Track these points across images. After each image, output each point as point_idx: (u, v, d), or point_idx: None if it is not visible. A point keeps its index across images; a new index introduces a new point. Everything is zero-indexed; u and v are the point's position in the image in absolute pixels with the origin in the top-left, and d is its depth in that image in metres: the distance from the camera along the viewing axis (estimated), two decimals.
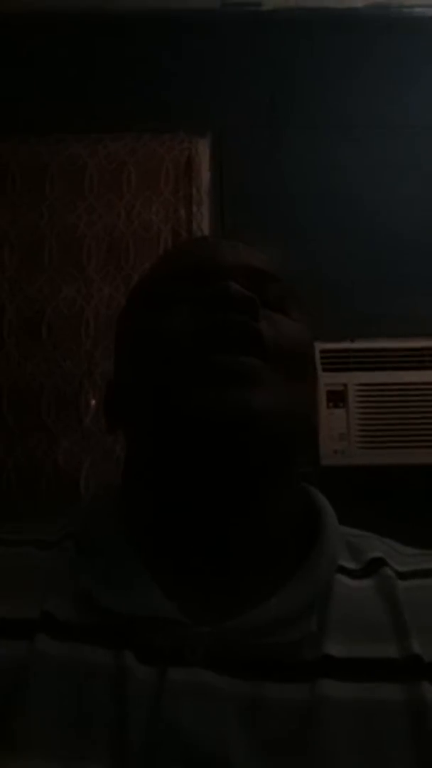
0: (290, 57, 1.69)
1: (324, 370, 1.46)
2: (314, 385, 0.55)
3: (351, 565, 0.51)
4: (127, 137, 1.62)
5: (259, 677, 0.44)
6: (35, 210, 1.58)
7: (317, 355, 1.45)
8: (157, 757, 0.40)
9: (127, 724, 0.41)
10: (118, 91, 1.65)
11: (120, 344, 0.56)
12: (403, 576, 0.50)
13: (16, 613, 0.47)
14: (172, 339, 0.48)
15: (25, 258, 1.57)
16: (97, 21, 1.71)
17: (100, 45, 1.70)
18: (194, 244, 0.70)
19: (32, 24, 1.69)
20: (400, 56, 1.69)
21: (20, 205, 1.59)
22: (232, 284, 0.48)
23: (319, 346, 1.46)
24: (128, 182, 1.60)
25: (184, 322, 0.48)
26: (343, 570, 0.50)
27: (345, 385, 1.45)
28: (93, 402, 1.47)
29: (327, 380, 1.45)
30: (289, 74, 1.68)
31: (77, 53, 1.68)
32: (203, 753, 0.40)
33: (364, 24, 1.70)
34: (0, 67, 1.66)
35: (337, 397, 1.44)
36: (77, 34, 1.69)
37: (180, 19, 1.70)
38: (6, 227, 1.58)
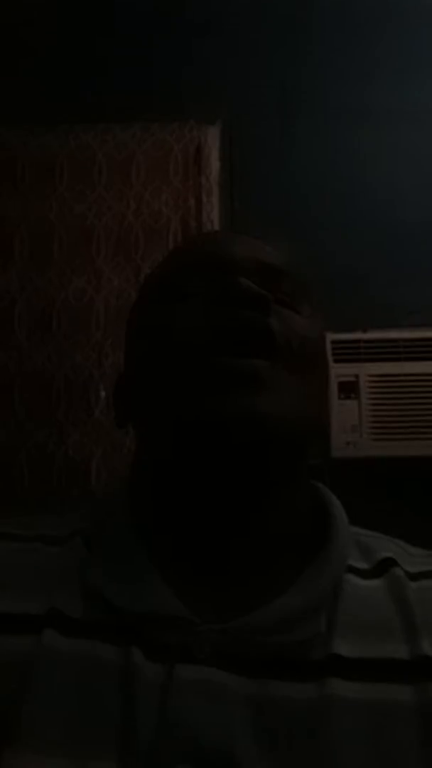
0: (301, 44, 1.66)
1: (335, 361, 1.44)
2: (325, 382, 0.55)
3: (361, 564, 0.50)
4: (136, 126, 1.60)
5: (266, 675, 0.43)
6: (44, 201, 1.58)
7: (329, 346, 1.44)
8: (165, 755, 0.40)
9: (134, 721, 0.41)
10: (127, 80, 1.64)
11: (130, 340, 0.56)
12: (413, 577, 0.50)
13: (24, 608, 0.47)
14: (182, 335, 0.48)
15: (34, 250, 1.56)
16: (105, 9, 1.69)
17: (108, 34, 1.68)
18: (205, 238, 0.69)
19: (39, 13, 1.67)
20: (413, 42, 1.65)
21: (29, 197, 1.58)
22: (242, 280, 0.47)
23: (330, 336, 1.44)
24: (137, 172, 1.59)
25: (194, 317, 0.48)
26: (353, 570, 0.50)
27: (357, 376, 1.44)
28: (103, 394, 1.47)
29: (338, 371, 1.43)
30: (301, 61, 1.65)
31: (84, 42, 1.67)
32: (210, 750, 0.40)
33: (377, 9, 1.66)
34: (6, 59, 1.64)
35: (349, 389, 1.43)
36: (84, 23, 1.68)
37: (189, 6, 1.67)
38: (15, 219, 1.57)
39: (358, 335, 1.47)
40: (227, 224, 1.56)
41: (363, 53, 1.65)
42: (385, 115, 1.61)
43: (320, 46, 1.66)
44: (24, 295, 1.54)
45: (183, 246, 0.64)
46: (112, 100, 1.62)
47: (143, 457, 0.54)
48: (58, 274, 1.55)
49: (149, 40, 1.67)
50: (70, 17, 1.68)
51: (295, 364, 0.48)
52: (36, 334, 1.52)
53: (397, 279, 1.51)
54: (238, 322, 0.46)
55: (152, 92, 1.63)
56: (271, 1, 1.69)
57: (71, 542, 0.51)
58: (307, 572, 0.47)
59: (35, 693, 0.42)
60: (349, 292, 1.48)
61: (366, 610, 0.47)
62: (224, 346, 0.46)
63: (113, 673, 0.43)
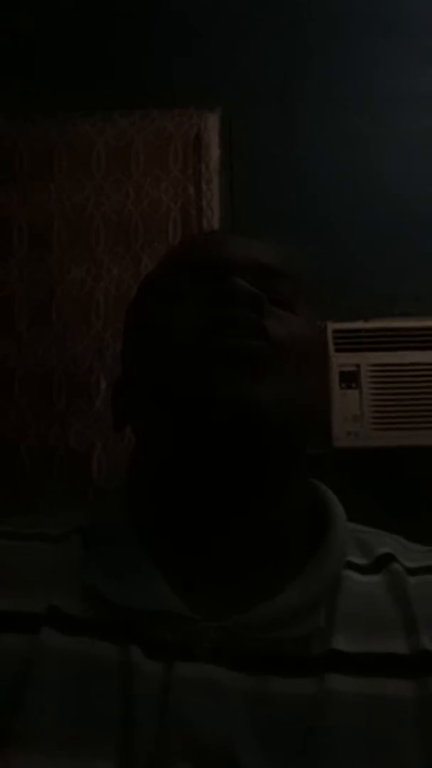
0: (303, 29, 1.63)
1: (337, 350, 1.43)
2: (321, 381, 0.55)
3: (360, 560, 0.51)
4: (135, 114, 1.58)
5: (266, 672, 0.44)
6: (43, 190, 1.56)
7: (330, 335, 1.43)
8: (164, 752, 0.41)
9: (133, 719, 0.42)
10: (126, 67, 1.61)
11: (127, 340, 0.56)
12: (412, 572, 0.50)
13: (22, 606, 0.47)
14: (178, 333, 0.48)
15: (33, 239, 1.55)
16: None
17: (107, 20, 1.65)
18: (202, 238, 0.70)
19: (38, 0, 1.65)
20: (418, 27, 1.62)
21: (28, 186, 1.56)
22: (238, 280, 0.47)
23: (332, 326, 1.44)
24: (136, 160, 1.57)
25: (190, 317, 0.48)
26: (351, 565, 0.50)
27: (358, 365, 1.43)
28: (104, 384, 1.47)
29: (340, 361, 1.43)
30: (301, 48, 1.63)
31: (83, 29, 1.64)
32: (210, 748, 0.41)
33: None
34: (5, 45, 1.62)
35: (350, 378, 1.42)
36: (84, 9, 1.65)
37: None
38: (14, 208, 1.56)
39: (360, 324, 1.46)
40: (227, 213, 1.55)
41: (365, 39, 1.62)
42: (387, 103, 1.59)
43: (321, 33, 1.63)
44: (23, 285, 1.53)
45: (179, 247, 0.65)
46: (111, 87, 1.60)
47: (142, 455, 0.54)
48: (57, 264, 1.54)
49: (149, 27, 1.64)
50: (69, 4, 1.66)
51: (291, 361, 0.48)
52: (36, 325, 1.51)
53: (399, 268, 1.50)
54: (234, 322, 0.46)
55: (152, 79, 1.61)
56: None
57: (70, 540, 0.51)
58: (306, 569, 0.48)
59: (34, 691, 0.43)
60: (351, 281, 1.47)
61: (365, 606, 0.47)
62: (221, 338, 0.46)
63: (112, 671, 0.43)
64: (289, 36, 1.63)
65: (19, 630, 0.45)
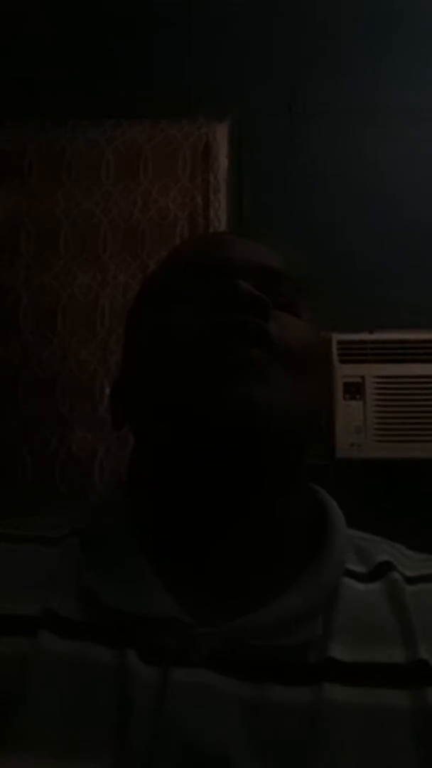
0: (312, 40, 1.65)
1: (341, 361, 1.43)
2: (324, 386, 0.55)
3: (358, 568, 0.50)
4: (145, 123, 1.60)
5: (263, 679, 0.43)
6: (51, 196, 1.57)
7: (335, 346, 1.43)
8: (159, 758, 0.40)
9: (129, 723, 0.41)
10: (136, 76, 1.63)
11: (128, 341, 0.56)
12: (410, 580, 0.50)
13: (19, 609, 0.46)
14: (180, 336, 0.48)
15: (40, 245, 1.56)
16: (117, 4, 1.69)
17: (118, 29, 1.67)
18: (204, 240, 0.69)
19: (48, 7, 1.67)
20: (423, 42, 1.64)
21: (36, 192, 1.58)
22: (241, 283, 0.47)
23: (336, 337, 1.44)
24: (145, 168, 1.58)
25: (191, 320, 0.48)
26: (350, 573, 0.49)
27: (362, 377, 1.43)
28: (107, 390, 1.47)
29: (344, 372, 1.43)
30: (310, 59, 1.64)
31: (94, 37, 1.66)
32: (205, 754, 0.40)
33: (387, 9, 1.65)
34: (15, 52, 1.64)
35: (355, 389, 1.42)
36: (94, 17, 1.67)
37: (200, 3, 1.66)
38: (22, 214, 1.57)
39: (365, 336, 1.46)
40: (235, 222, 1.56)
41: (373, 52, 1.64)
42: (394, 115, 1.60)
43: (330, 45, 1.64)
44: (29, 290, 1.54)
45: (182, 248, 0.64)
46: (121, 95, 1.61)
47: (141, 457, 0.54)
48: (63, 269, 1.55)
49: (159, 37, 1.66)
50: (81, 11, 1.68)
51: (294, 366, 0.47)
52: (41, 330, 1.52)
53: (404, 279, 1.50)
54: (236, 325, 0.46)
55: (161, 89, 1.62)
56: (281, 0, 1.68)
57: (68, 543, 0.51)
58: (305, 575, 0.47)
59: (30, 694, 0.42)
60: (356, 293, 1.48)
61: (363, 614, 0.47)
62: (222, 341, 0.46)
63: (108, 675, 0.43)
64: (296, 48, 1.65)
65: (16, 632, 0.45)
